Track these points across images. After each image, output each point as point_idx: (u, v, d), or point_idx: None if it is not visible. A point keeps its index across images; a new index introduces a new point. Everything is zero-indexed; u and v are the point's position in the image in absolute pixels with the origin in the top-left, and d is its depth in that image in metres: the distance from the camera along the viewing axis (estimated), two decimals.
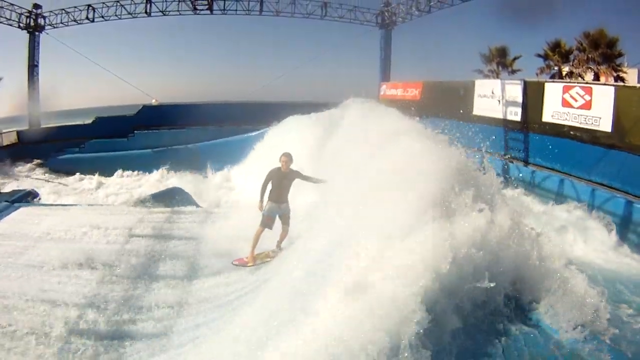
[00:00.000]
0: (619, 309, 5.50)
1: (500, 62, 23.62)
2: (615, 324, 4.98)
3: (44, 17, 23.31)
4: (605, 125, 9.71)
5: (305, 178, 7.52)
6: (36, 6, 23.05)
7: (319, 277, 4.76)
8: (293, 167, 7.50)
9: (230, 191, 15.71)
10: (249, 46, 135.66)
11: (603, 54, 20.30)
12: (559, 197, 10.27)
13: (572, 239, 8.49)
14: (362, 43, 36.82)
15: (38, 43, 23.34)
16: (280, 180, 7.42)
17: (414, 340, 3.77)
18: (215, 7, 23.80)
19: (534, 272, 5.40)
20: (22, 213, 10.40)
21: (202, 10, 23.80)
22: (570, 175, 10.49)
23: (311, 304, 4.24)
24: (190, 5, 23.42)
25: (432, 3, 21.81)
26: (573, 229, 8.98)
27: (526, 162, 11.83)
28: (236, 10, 24.07)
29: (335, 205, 6.44)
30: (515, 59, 23.80)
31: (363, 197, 5.67)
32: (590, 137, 10.09)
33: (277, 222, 7.60)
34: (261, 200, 7.50)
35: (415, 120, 8.83)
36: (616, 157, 9.51)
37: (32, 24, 22.94)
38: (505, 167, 12.05)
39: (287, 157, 7.41)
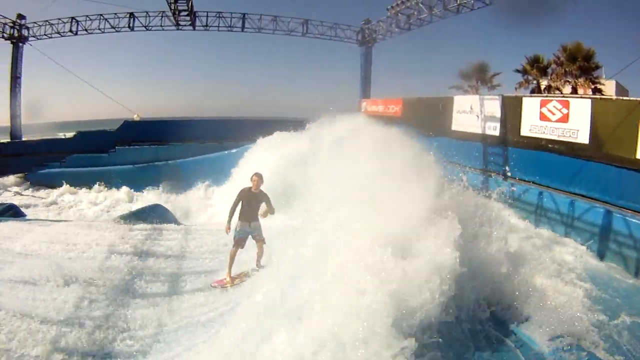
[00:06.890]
0: (599, 317, 5.50)
1: (480, 78, 23.97)
2: (595, 332, 4.98)
3: (28, 28, 23.20)
4: (582, 137, 9.87)
5: (268, 203, 7.49)
6: (20, 16, 22.95)
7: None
8: (263, 187, 7.54)
9: (210, 208, 15.57)
10: (231, 62, 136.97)
11: (580, 67, 20.69)
12: (539, 210, 10.34)
13: (549, 250, 8.58)
14: (342, 60, 37.33)
15: (21, 54, 23.22)
16: (249, 200, 7.45)
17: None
18: (197, 22, 23.88)
19: (511, 283, 5.39)
20: (2, 227, 10.06)
21: (185, 25, 23.79)
22: (549, 187, 10.58)
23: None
24: (173, 21, 23.36)
25: (411, 20, 22.13)
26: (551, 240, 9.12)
27: (505, 176, 11.92)
28: (218, 26, 24.19)
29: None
30: (494, 75, 24.21)
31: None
32: (568, 149, 10.24)
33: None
34: (229, 221, 7.50)
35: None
36: (594, 168, 9.65)
37: (15, 34, 22.77)
38: (485, 181, 12.12)
39: (258, 177, 7.46)
